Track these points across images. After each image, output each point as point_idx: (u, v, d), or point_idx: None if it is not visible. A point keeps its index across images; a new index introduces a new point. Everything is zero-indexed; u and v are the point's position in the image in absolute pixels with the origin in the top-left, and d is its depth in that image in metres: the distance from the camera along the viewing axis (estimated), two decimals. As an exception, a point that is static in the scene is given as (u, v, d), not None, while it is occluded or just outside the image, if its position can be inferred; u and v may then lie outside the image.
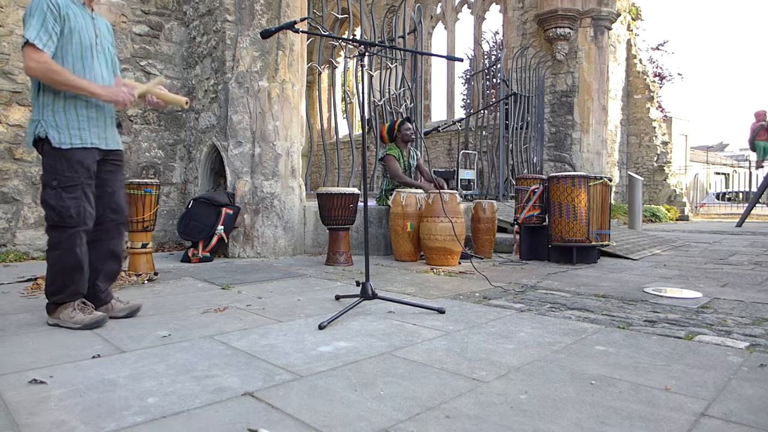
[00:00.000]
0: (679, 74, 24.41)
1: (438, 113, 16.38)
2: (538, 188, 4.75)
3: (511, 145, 8.24)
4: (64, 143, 2.16)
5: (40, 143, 2.18)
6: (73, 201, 2.16)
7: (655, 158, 13.50)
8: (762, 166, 9.47)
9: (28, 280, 3.31)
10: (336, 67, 10.82)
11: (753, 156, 15.52)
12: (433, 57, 13.24)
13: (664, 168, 13.49)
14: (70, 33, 2.16)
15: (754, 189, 12.76)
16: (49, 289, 2.22)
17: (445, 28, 13.28)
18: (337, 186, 5.51)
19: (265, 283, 3.35)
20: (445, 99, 13.37)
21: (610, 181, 4.69)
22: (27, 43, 2.06)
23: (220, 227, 4.45)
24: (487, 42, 12.68)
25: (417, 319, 2.36)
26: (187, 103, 2.54)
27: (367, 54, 2.73)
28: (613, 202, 6.59)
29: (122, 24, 5.17)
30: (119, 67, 2.51)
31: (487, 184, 8.24)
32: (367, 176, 2.66)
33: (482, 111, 8.37)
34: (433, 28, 13.57)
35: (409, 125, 5.21)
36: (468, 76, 15.23)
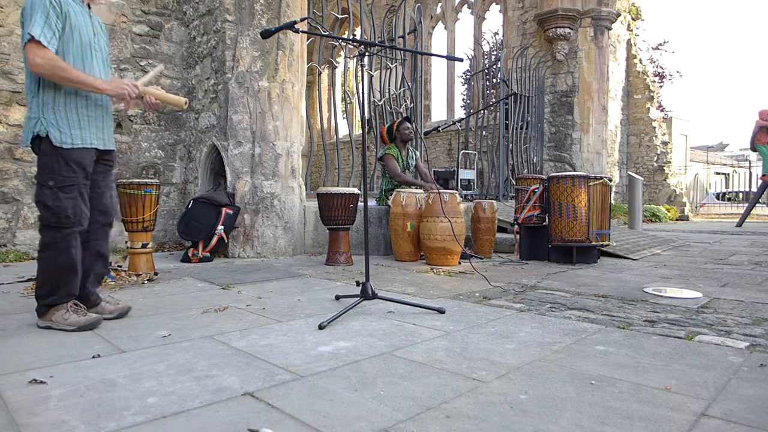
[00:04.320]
0: (677, 72, 24.33)
1: (438, 113, 16.39)
2: (538, 188, 4.75)
3: (511, 145, 8.24)
4: (65, 143, 2.11)
5: (38, 141, 2.13)
6: (70, 201, 2.12)
7: (655, 158, 13.50)
8: (766, 181, 9.28)
9: (28, 280, 3.31)
10: (336, 67, 10.80)
11: (753, 156, 15.48)
12: (433, 57, 13.24)
13: (664, 168, 13.49)
14: (71, 31, 2.13)
15: (754, 189, 12.75)
16: (41, 291, 2.17)
17: (445, 28, 13.28)
18: (337, 186, 5.52)
19: (265, 283, 3.35)
20: (445, 99, 13.37)
21: (610, 181, 4.69)
22: (31, 40, 2.00)
23: (220, 227, 4.45)
24: (487, 42, 12.70)
25: (417, 319, 2.36)
26: (186, 103, 2.51)
27: (367, 54, 2.74)
28: (613, 202, 6.59)
29: (122, 24, 5.17)
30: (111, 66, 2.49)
31: (487, 184, 8.23)
32: (367, 176, 2.66)
33: (482, 111, 8.37)
34: (433, 28, 13.57)
35: (408, 125, 5.21)
36: (468, 76, 15.22)
